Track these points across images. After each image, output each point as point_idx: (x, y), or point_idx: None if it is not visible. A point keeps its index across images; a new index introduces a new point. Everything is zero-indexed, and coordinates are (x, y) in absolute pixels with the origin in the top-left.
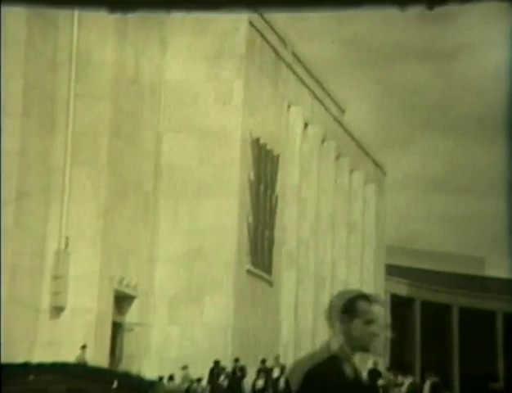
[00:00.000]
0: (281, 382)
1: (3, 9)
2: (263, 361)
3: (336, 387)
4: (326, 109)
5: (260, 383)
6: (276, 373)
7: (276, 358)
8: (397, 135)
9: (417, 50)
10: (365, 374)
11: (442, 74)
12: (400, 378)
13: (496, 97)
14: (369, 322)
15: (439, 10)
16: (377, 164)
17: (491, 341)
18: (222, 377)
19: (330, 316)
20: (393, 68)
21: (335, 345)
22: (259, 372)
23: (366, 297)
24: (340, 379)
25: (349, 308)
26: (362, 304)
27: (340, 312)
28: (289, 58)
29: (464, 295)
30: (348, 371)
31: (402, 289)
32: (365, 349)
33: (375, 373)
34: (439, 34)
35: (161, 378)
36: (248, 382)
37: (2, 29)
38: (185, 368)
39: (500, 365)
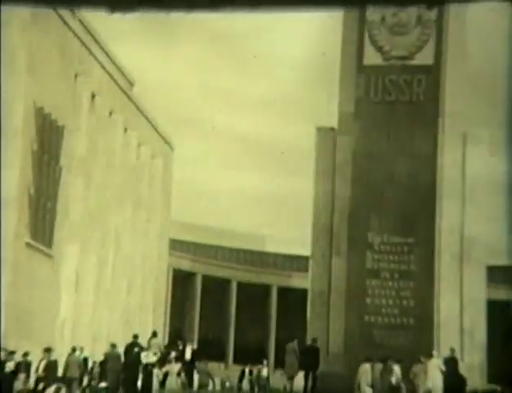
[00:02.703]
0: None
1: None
2: (135, 336)
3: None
4: (115, 81)
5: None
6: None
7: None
8: (191, 111)
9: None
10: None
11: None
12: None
13: None
14: None
15: None
16: (165, 140)
17: (265, 312)
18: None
19: None
20: (196, 45)
21: None
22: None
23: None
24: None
25: None
26: None
27: None
28: (77, 28)
29: (243, 270)
30: None
31: (185, 264)
32: None
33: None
34: None
35: None
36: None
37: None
38: None
39: (273, 335)
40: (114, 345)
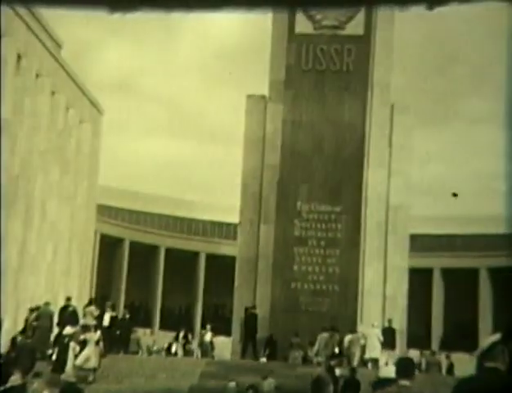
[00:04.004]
0: None
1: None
2: (68, 298)
3: None
4: (42, 43)
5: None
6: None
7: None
8: (120, 76)
9: None
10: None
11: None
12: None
13: None
14: None
15: None
16: (94, 104)
17: (193, 279)
18: None
19: None
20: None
21: None
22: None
23: None
24: None
25: None
26: None
27: None
28: None
29: (172, 236)
30: None
31: (113, 229)
32: None
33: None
34: None
35: None
36: None
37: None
38: None
39: (200, 302)
40: (47, 304)
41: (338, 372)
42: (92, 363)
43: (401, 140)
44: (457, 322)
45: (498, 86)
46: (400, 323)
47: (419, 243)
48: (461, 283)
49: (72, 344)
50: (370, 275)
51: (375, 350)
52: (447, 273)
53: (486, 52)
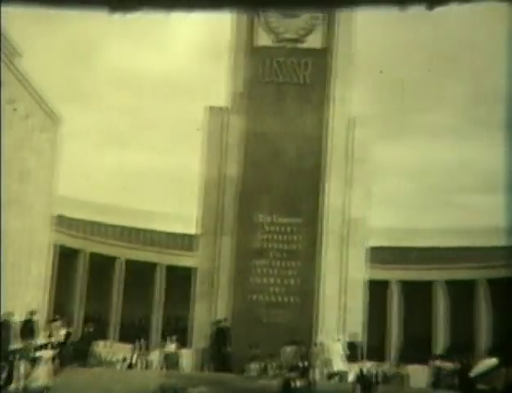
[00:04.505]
0: None
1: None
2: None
3: None
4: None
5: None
6: None
7: None
8: (79, 86)
9: None
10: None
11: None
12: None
13: None
14: None
15: None
16: (51, 114)
17: (152, 291)
18: None
19: None
20: (83, 18)
21: None
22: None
23: None
24: None
25: None
26: None
27: None
28: None
29: (130, 247)
30: None
31: (71, 240)
32: None
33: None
34: None
35: None
36: None
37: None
38: None
39: (159, 313)
40: (9, 314)
41: (296, 384)
42: (41, 382)
43: (361, 153)
44: (413, 334)
45: (458, 100)
46: (358, 336)
47: (377, 255)
48: (417, 295)
49: (21, 362)
50: (329, 287)
51: (339, 363)
52: (404, 285)
53: (448, 65)
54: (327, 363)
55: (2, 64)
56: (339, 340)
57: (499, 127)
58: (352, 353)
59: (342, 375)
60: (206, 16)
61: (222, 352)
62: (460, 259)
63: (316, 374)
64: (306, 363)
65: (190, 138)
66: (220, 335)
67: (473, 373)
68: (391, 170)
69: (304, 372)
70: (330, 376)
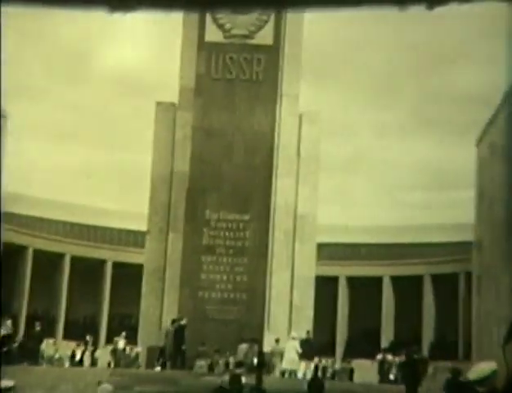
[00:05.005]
0: None
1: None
2: None
3: None
4: None
5: None
6: None
7: None
8: (27, 80)
9: None
10: None
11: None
12: None
13: None
14: None
15: None
16: None
17: (99, 288)
18: None
19: None
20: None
21: None
22: None
23: None
24: None
25: None
26: None
27: None
28: None
29: (77, 244)
30: None
31: (16, 237)
32: None
33: None
34: None
35: None
36: None
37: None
38: None
39: (106, 311)
40: None
41: (244, 380)
42: None
43: (309, 150)
44: (361, 329)
45: (407, 99)
46: (309, 332)
47: (326, 252)
48: (366, 291)
49: None
50: (277, 284)
51: (293, 362)
52: (352, 281)
53: (401, 64)
54: (282, 360)
55: None
56: (293, 338)
57: (449, 126)
58: (305, 350)
59: (295, 372)
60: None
61: (181, 350)
62: (407, 256)
63: (272, 371)
64: (256, 360)
65: (142, 135)
66: (179, 333)
67: (470, 377)
68: (341, 167)
69: (255, 369)
70: (283, 373)
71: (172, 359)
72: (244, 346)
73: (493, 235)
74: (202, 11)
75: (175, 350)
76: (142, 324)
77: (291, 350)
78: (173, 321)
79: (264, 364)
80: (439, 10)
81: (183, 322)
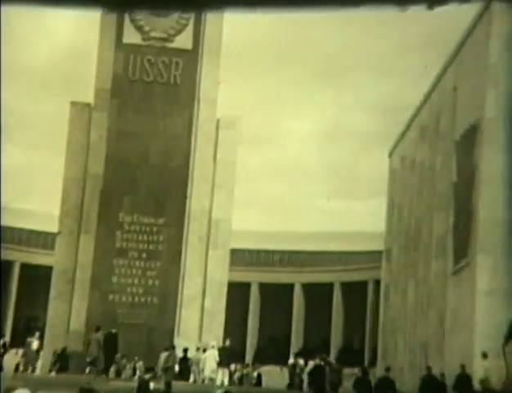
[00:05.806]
0: None
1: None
2: None
3: None
4: None
5: None
6: None
7: None
8: None
9: None
10: None
11: None
12: None
13: None
14: None
15: None
16: None
17: (4, 290)
18: None
19: None
20: None
21: None
22: None
23: None
24: None
25: None
26: None
27: None
28: None
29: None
30: None
31: None
32: None
33: None
34: None
35: None
36: None
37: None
38: None
39: (11, 313)
40: None
41: (151, 385)
42: None
43: (226, 155)
44: (272, 336)
45: (320, 106)
46: (217, 337)
47: (239, 257)
48: (277, 297)
49: None
50: (189, 288)
51: (212, 370)
52: (265, 287)
53: (326, 71)
54: (203, 367)
55: None
56: (213, 346)
57: (367, 135)
58: (222, 357)
59: (214, 380)
60: (76, 11)
61: (114, 359)
62: (318, 263)
63: (189, 377)
64: (181, 368)
65: (57, 135)
66: (110, 341)
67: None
68: (260, 174)
69: (176, 376)
70: (203, 380)
71: (105, 368)
72: (165, 354)
73: (401, 244)
74: (120, 11)
75: (107, 359)
76: (50, 327)
77: (212, 358)
78: (97, 328)
79: (188, 371)
80: (356, 16)
81: (114, 330)
